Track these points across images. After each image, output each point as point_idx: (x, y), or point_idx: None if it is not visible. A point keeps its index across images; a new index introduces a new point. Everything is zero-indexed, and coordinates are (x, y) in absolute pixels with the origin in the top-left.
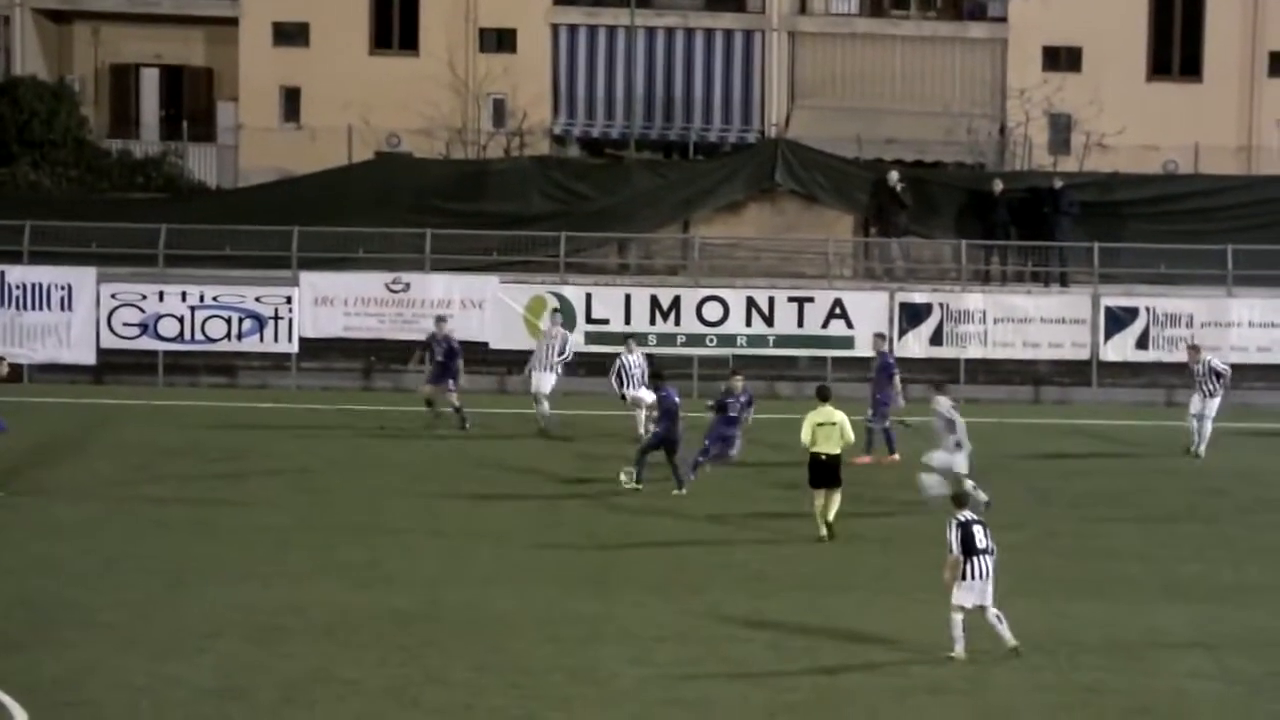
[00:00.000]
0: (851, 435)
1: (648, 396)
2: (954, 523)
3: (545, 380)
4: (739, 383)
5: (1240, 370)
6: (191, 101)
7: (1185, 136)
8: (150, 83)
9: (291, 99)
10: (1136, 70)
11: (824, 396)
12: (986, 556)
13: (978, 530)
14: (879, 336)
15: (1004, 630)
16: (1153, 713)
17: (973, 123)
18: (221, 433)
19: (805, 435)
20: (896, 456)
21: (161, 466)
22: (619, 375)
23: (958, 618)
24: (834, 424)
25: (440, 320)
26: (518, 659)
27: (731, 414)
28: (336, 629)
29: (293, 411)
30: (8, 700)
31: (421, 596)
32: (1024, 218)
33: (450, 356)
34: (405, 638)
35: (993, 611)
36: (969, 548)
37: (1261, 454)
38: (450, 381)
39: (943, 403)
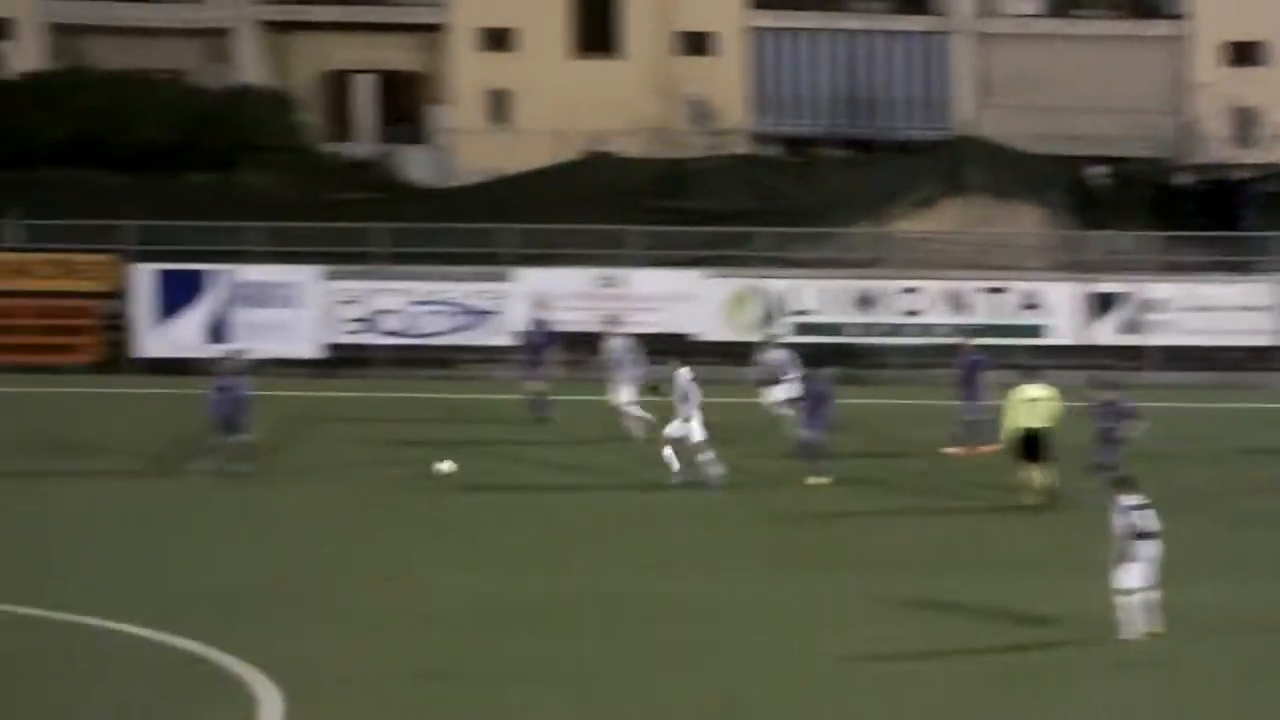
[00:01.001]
0: (1059, 408)
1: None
2: (1120, 507)
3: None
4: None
5: None
6: (404, 105)
7: None
8: (365, 88)
9: (500, 101)
10: None
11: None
12: (1152, 541)
13: (1145, 515)
14: (965, 333)
15: (1152, 615)
16: None
17: (1156, 118)
18: (440, 425)
19: (1012, 413)
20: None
21: (388, 455)
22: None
23: (1123, 600)
24: (1040, 400)
25: (539, 307)
26: (722, 641)
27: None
28: (551, 613)
29: (506, 403)
30: (254, 676)
31: (635, 581)
32: (1210, 209)
33: (544, 345)
34: (616, 622)
35: (1152, 596)
36: (1134, 532)
37: None
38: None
39: (683, 374)
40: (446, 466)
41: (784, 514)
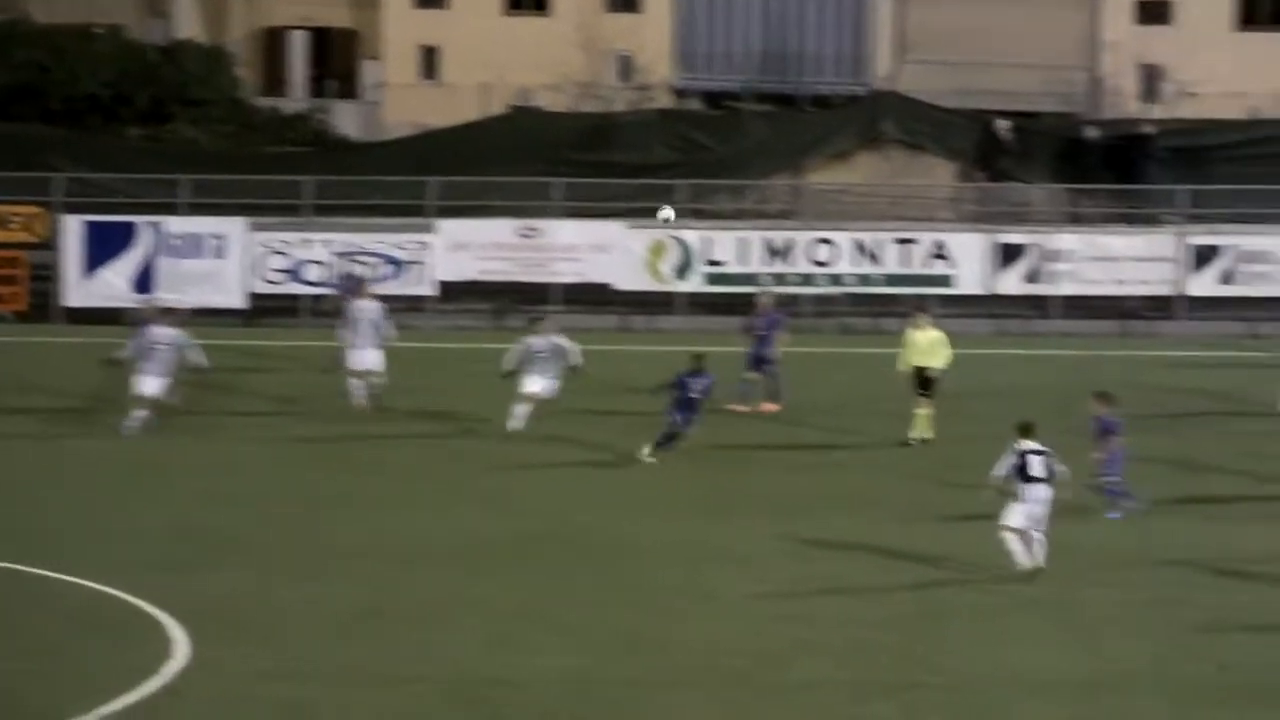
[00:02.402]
0: (948, 351)
1: (542, 391)
2: (1013, 449)
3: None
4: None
5: None
6: (337, 61)
7: (1271, 83)
8: (298, 44)
9: (430, 57)
10: (1224, 20)
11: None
12: (1042, 485)
13: (1036, 460)
14: (764, 290)
15: (1039, 551)
16: (1234, 624)
17: (1067, 74)
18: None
19: (907, 352)
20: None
21: (306, 404)
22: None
23: (1008, 536)
24: (933, 341)
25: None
26: (635, 579)
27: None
28: (469, 552)
29: (429, 351)
30: (166, 619)
31: (546, 521)
32: (1115, 162)
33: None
34: (532, 559)
35: (1038, 536)
36: (1024, 475)
37: None
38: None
39: (547, 328)
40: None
41: (698, 458)
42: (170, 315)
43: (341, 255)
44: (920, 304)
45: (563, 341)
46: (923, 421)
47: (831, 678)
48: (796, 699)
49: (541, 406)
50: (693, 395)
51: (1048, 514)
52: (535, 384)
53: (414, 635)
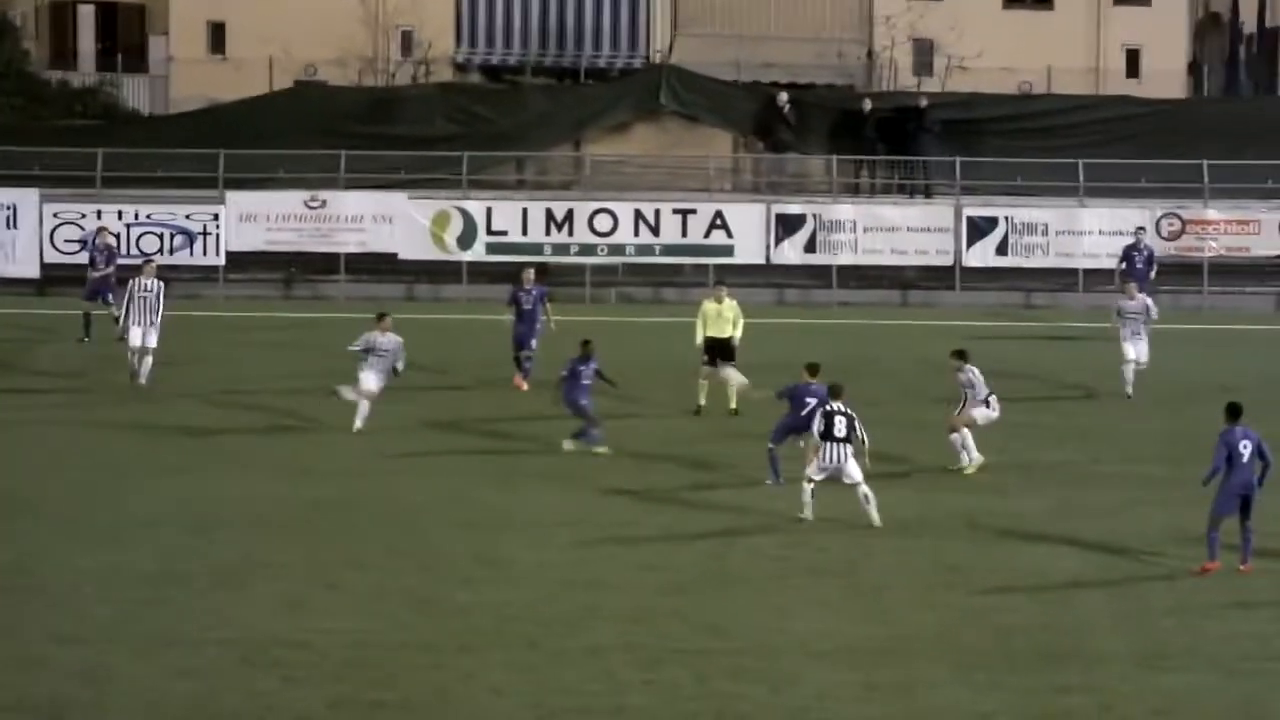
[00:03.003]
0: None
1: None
2: (820, 410)
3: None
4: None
5: (1091, 275)
6: (125, 35)
7: (1039, 60)
8: (87, 18)
9: (217, 33)
10: None
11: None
12: (841, 445)
13: (839, 420)
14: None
15: (872, 509)
16: (1011, 590)
17: (842, 47)
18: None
19: (701, 323)
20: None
21: (100, 372)
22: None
23: (807, 487)
24: (724, 312)
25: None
26: (428, 544)
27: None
28: (264, 518)
29: (219, 320)
30: None
31: (339, 488)
32: (891, 135)
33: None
34: (325, 525)
35: (863, 490)
36: (827, 434)
37: (1111, 351)
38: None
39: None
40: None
41: (487, 429)
42: None
43: (102, 229)
44: (720, 278)
45: (399, 342)
46: (704, 392)
47: (621, 643)
48: (587, 664)
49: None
50: (585, 381)
51: (856, 471)
52: (372, 381)
53: (208, 600)
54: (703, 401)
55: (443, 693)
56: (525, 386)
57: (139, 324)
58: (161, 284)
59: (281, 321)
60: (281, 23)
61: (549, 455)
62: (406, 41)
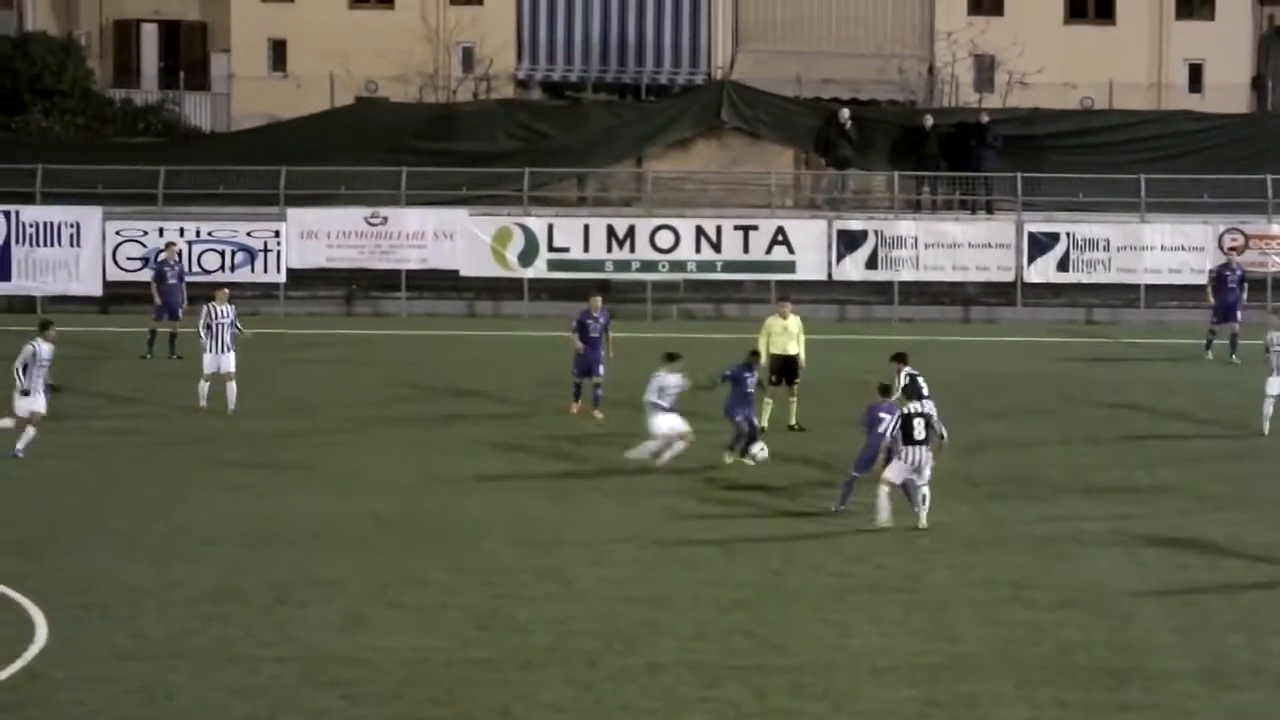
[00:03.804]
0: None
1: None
2: (899, 412)
3: None
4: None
5: (1152, 291)
6: (188, 53)
7: (1100, 75)
8: (150, 36)
9: (279, 50)
10: (1055, 13)
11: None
12: (920, 447)
13: (917, 423)
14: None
15: (923, 511)
16: (1074, 606)
17: (904, 63)
18: None
19: (766, 340)
20: None
21: (161, 390)
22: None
23: (884, 490)
24: (789, 328)
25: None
26: (487, 561)
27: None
28: (323, 535)
29: (280, 337)
30: (24, 602)
31: (398, 504)
32: (952, 151)
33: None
34: (384, 542)
35: (924, 491)
36: (907, 437)
37: (1173, 367)
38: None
39: None
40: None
41: (550, 443)
42: None
43: (170, 245)
44: (784, 294)
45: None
46: (767, 411)
47: (681, 659)
48: (647, 681)
49: None
50: (748, 390)
51: (929, 471)
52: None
53: (268, 617)
54: (764, 423)
55: (503, 710)
56: (577, 410)
57: (214, 351)
58: (234, 308)
59: (342, 339)
60: (342, 39)
61: (608, 473)
62: (467, 58)
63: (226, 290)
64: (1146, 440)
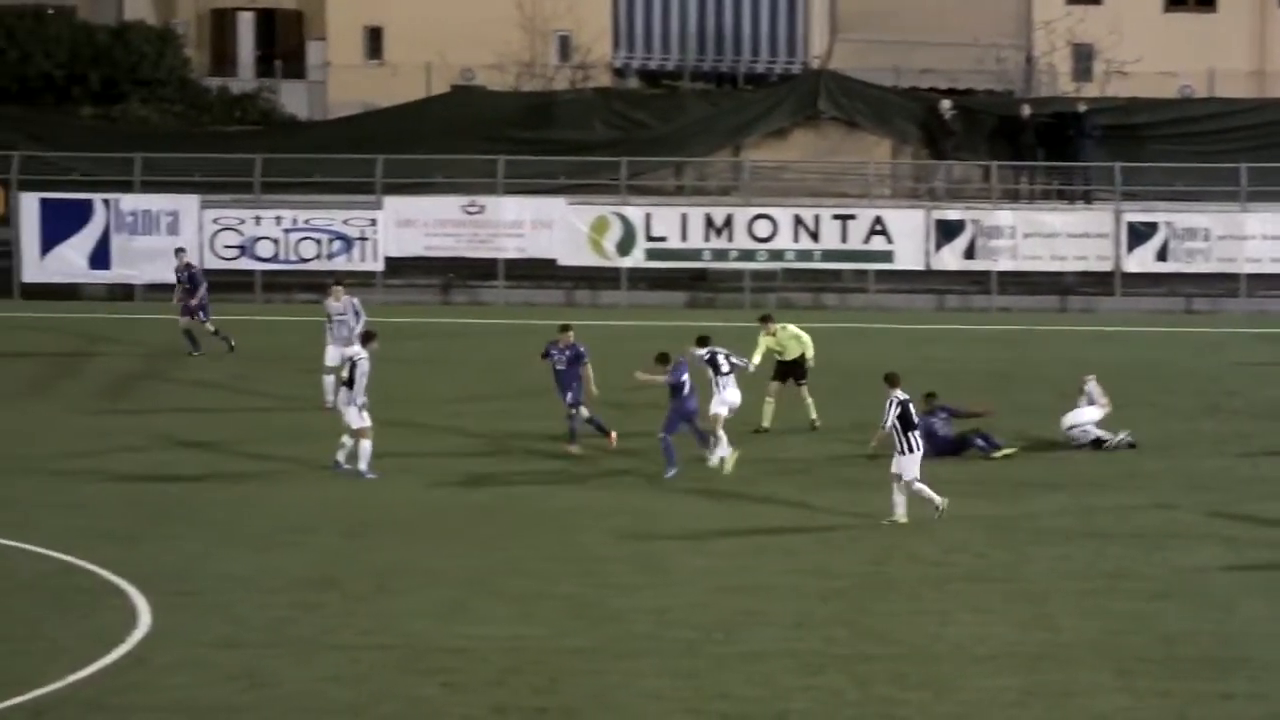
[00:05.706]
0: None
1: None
2: (892, 400)
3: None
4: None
5: (1255, 280)
6: (284, 41)
7: (1200, 63)
8: (246, 24)
9: (374, 37)
10: (1154, 2)
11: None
12: (917, 433)
13: (912, 408)
14: None
15: (930, 493)
16: (1174, 596)
17: (1001, 53)
18: (313, 344)
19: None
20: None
21: (259, 376)
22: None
23: (896, 485)
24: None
25: (179, 251)
26: (585, 551)
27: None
28: (419, 524)
29: (377, 325)
30: (129, 588)
31: (494, 494)
32: (1050, 140)
33: (194, 286)
34: (482, 531)
35: (919, 485)
36: (906, 423)
37: (1275, 356)
38: (201, 314)
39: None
40: None
41: (645, 437)
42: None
43: (179, 251)
44: (765, 314)
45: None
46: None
47: (782, 648)
48: (746, 669)
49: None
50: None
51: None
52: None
53: (366, 605)
54: (766, 424)
55: (602, 698)
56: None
57: (334, 344)
58: (354, 300)
59: (440, 328)
60: (438, 27)
61: (701, 463)
62: (564, 46)
63: (338, 286)
64: (1247, 431)
